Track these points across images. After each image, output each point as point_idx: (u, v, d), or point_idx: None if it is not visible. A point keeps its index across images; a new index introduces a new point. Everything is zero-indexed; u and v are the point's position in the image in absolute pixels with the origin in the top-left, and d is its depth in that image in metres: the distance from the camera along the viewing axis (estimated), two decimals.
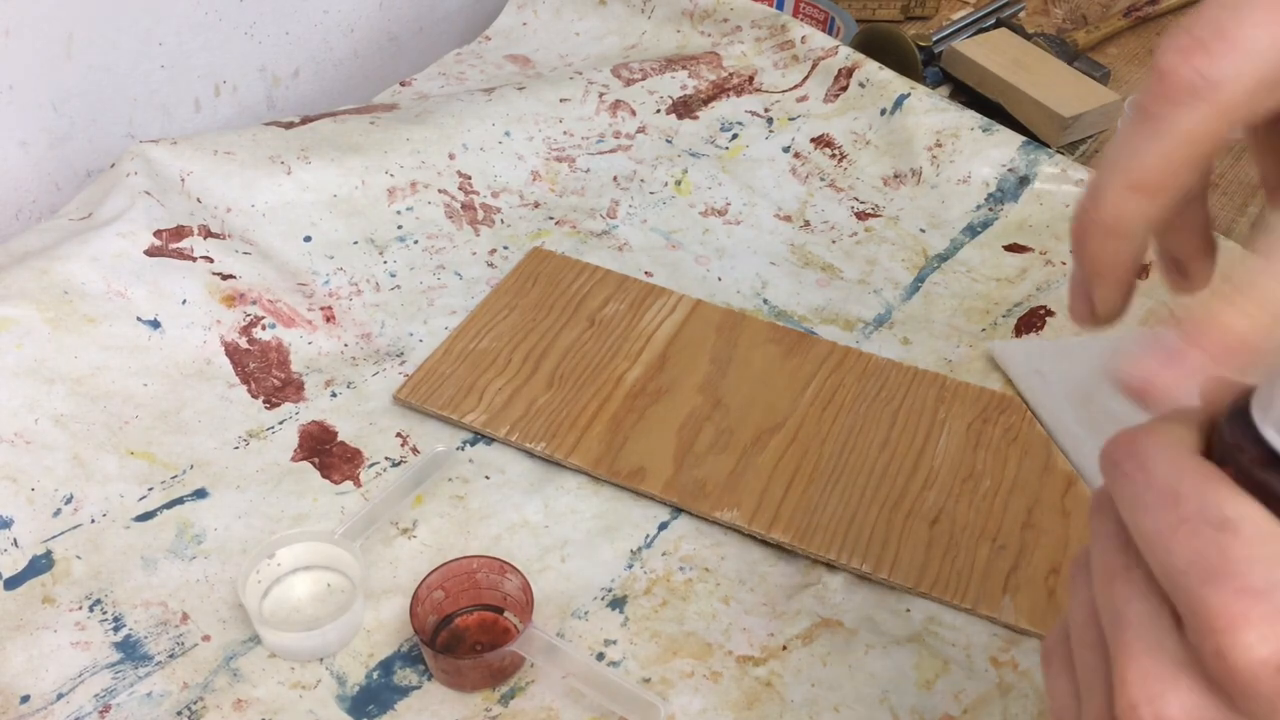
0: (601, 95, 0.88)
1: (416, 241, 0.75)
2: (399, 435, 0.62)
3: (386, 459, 0.61)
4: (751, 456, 0.61)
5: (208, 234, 0.70)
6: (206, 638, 0.52)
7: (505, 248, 0.76)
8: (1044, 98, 0.88)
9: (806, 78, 0.90)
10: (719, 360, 0.66)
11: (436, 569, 0.52)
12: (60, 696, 0.49)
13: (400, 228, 0.75)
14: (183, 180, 0.72)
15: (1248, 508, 0.24)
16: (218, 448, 0.61)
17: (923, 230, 0.79)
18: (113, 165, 0.72)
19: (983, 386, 0.66)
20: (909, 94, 0.85)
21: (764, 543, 0.57)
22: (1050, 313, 0.72)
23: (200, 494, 0.58)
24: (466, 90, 0.88)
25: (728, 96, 0.90)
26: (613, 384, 0.64)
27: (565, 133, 0.85)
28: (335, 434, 0.62)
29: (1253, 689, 0.23)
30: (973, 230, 0.79)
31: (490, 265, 0.74)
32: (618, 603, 0.55)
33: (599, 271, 0.72)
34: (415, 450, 0.61)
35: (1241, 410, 0.26)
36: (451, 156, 0.80)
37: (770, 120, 0.88)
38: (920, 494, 0.59)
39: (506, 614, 0.53)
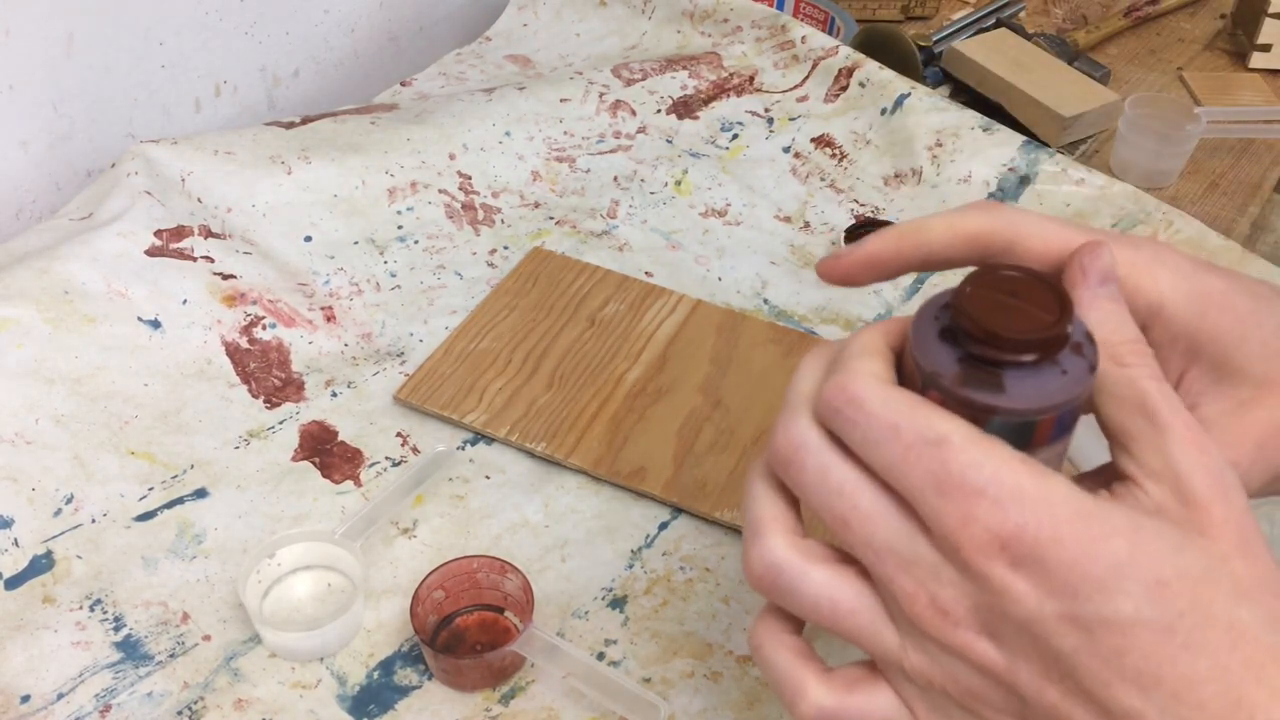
0: (602, 95, 0.88)
1: (417, 241, 0.75)
2: (399, 435, 0.62)
3: (387, 459, 0.61)
4: (751, 456, 0.61)
5: (208, 234, 0.70)
6: (207, 637, 0.52)
7: (505, 248, 0.76)
8: (1044, 98, 0.88)
9: (807, 78, 0.90)
10: (719, 360, 0.66)
11: (437, 569, 0.52)
12: (61, 696, 0.49)
13: (400, 228, 0.75)
14: (183, 180, 0.72)
15: (953, 422, 0.29)
16: (218, 448, 0.61)
17: None
18: (113, 165, 0.72)
19: None
20: (909, 93, 0.85)
21: None
22: None
23: (200, 494, 0.58)
24: (467, 90, 0.88)
25: (728, 96, 0.90)
26: (613, 384, 0.64)
27: (565, 133, 0.85)
28: (335, 434, 0.62)
29: (986, 569, 0.28)
30: None
31: (490, 265, 0.74)
32: (618, 602, 0.55)
33: (599, 271, 0.72)
34: (415, 450, 0.61)
35: (928, 341, 0.31)
36: (452, 156, 0.80)
37: (770, 120, 0.88)
38: None
39: (507, 614, 0.53)
